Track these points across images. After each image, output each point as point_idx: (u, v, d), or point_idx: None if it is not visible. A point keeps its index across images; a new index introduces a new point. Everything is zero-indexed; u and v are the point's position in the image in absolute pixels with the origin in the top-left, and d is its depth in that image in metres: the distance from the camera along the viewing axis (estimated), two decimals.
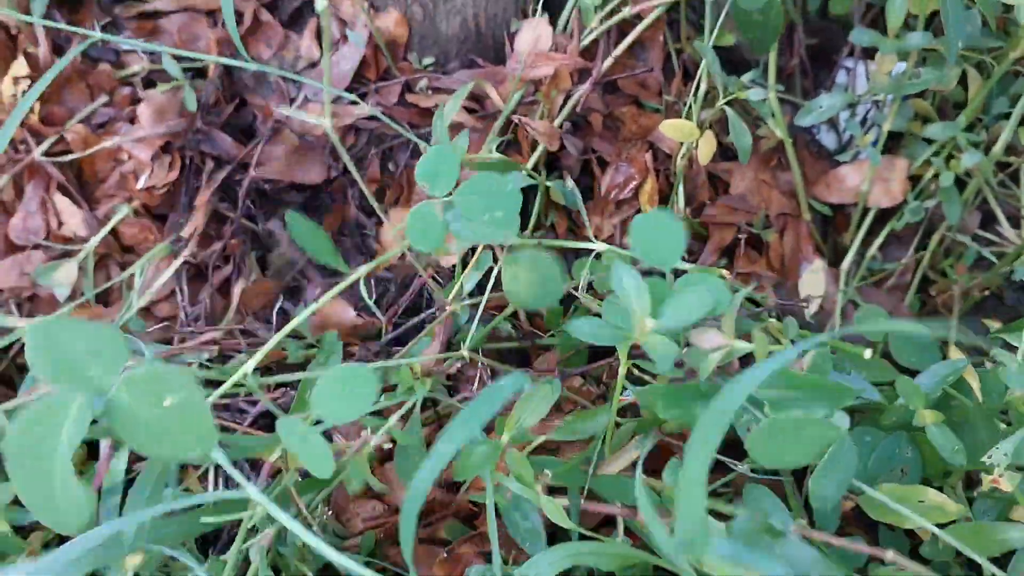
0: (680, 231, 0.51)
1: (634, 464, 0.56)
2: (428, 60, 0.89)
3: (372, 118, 0.85)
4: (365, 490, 0.63)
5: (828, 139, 0.96)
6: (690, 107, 0.79)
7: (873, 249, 0.89)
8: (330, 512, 0.61)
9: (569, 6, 0.81)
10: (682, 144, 0.82)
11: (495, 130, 0.83)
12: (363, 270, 0.54)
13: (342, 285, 0.54)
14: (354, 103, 0.84)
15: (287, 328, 0.52)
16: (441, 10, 0.84)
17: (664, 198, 0.86)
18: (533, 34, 0.80)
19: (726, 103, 0.73)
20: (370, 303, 0.61)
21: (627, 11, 0.77)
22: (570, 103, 0.81)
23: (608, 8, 0.79)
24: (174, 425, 0.39)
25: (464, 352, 0.55)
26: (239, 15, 0.84)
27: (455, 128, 0.83)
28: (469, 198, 0.47)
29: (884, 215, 0.89)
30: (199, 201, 0.81)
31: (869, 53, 0.90)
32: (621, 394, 0.53)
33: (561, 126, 0.82)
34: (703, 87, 0.80)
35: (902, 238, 0.93)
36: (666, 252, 0.51)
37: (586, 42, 0.81)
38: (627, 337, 0.48)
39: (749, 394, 0.51)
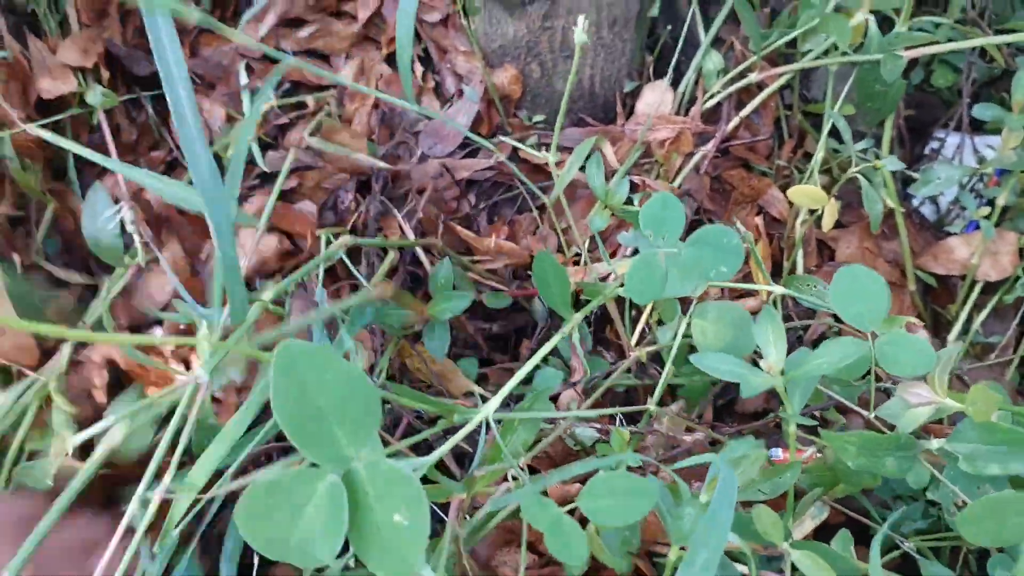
0: (884, 290, 0.50)
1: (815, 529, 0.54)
2: (538, 117, 0.89)
3: (486, 170, 0.85)
4: (511, 537, 0.60)
5: (927, 209, 0.97)
6: (811, 172, 0.79)
7: (977, 323, 0.88)
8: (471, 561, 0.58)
9: (691, 70, 0.82)
10: (794, 209, 0.82)
11: (612, 187, 0.82)
12: (578, 316, 0.53)
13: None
14: (467, 156, 0.85)
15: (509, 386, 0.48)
16: (560, 69, 0.84)
17: (775, 262, 0.86)
18: (656, 97, 0.80)
19: (858, 172, 0.73)
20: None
21: (753, 77, 0.78)
22: (690, 165, 0.81)
23: (731, 75, 0.80)
24: (393, 541, 0.33)
25: (652, 407, 0.53)
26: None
27: (572, 186, 0.83)
28: (700, 250, 0.46)
29: (987, 287, 0.89)
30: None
31: (974, 126, 0.92)
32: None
33: (679, 187, 0.81)
34: (820, 154, 0.81)
35: (999, 311, 0.93)
36: (868, 311, 0.50)
37: (707, 106, 0.81)
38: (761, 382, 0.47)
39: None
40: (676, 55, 0.82)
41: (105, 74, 0.80)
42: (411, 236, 0.78)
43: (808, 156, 0.91)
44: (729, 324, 0.52)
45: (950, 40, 0.75)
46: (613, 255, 0.83)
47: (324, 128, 0.83)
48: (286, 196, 0.82)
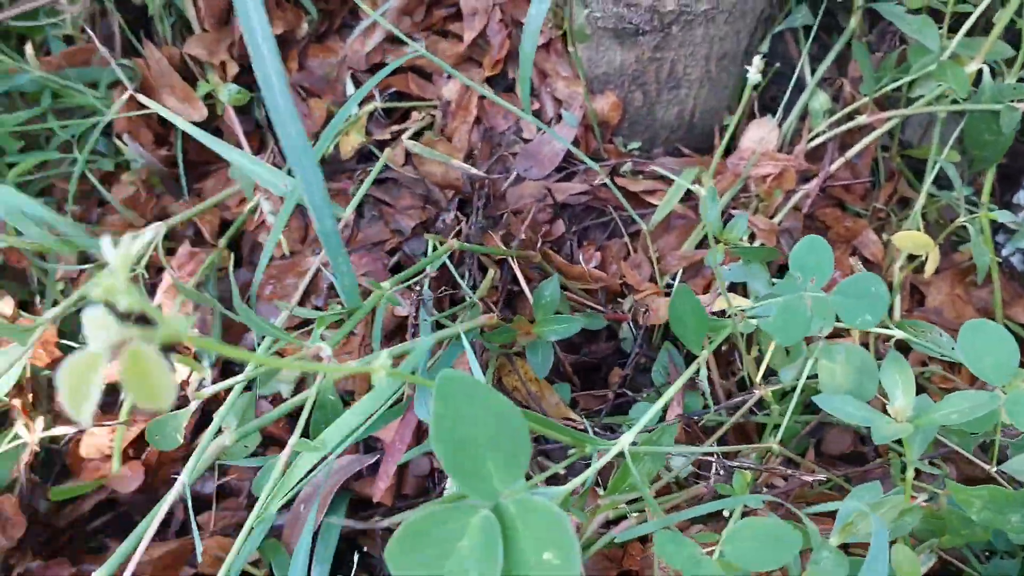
0: (1014, 346, 0.50)
1: None
2: (634, 145, 0.89)
3: (580, 194, 0.85)
4: (608, 565, 0.60)
5: (1016, 259, 0.96)
6: (914, 217, 0.79)
7: None
8: None
9: (797, 108, 0.82)
10: (890, 252, 0.82)
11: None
12: (705, 353, 0.53)
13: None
14: (562, 179, 0.85)
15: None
16: (664, 98, 0.84)
17: None
18: (761, 132, 0.80)
19: (966, 221, 0.73)
20: None
21: (862, 119, 0.77)
22: (790, 203, 0.81)
23: (838, 115, 0.80)
24: None
25: (774, 445, 0.53)
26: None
27: (671, 216, 0.83)
28: (848, 298, 0.46)
29: None
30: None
31: None
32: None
33: (780, 223, 0.81)
34: (923, 199, 0.80)
35: None
36: (999, 366, 0.50)
37: (812, 144, 0.81)
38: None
39: None
40: (788, 93, 0.82)
41: (232, 70, 0.82)
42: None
43: (903, 200, 0.90)
44: (855, 367, 0.52)
45: None
46: (707, 287, 0.83)
47: (425, 138, 0.84)
48: (383, 206, 0.83)
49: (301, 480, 0.60)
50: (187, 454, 0.61)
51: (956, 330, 0.88)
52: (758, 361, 0.65)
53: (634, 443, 0.46)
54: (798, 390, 0.54)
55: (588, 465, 0.44)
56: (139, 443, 0.74)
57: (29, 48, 0.75)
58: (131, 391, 0.23)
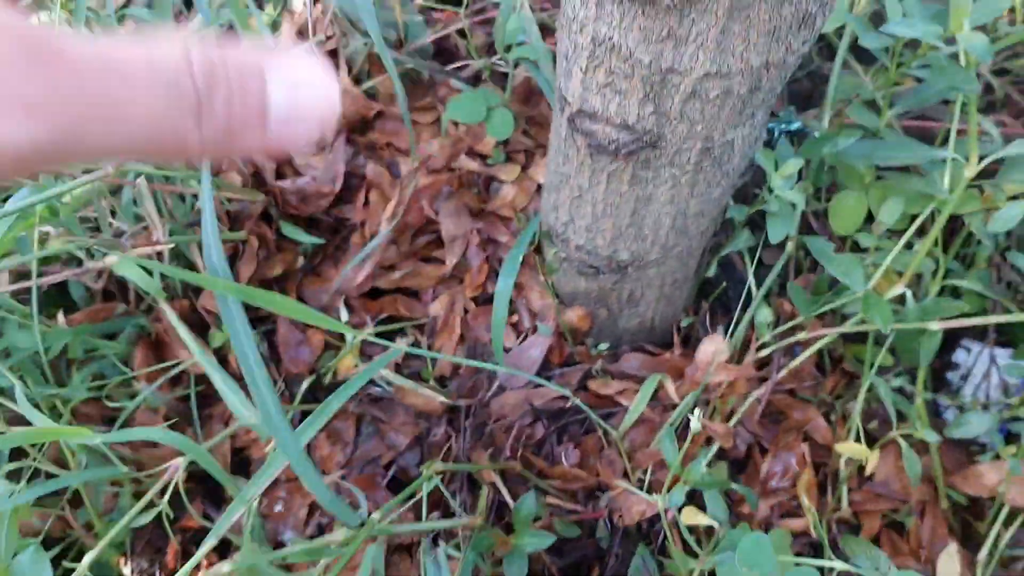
0: None
1: None
2: (603, 346, 0.99)
3: (559, 398, 0.95)
4: None
5: (950, 414, 1.05)
6: (853, 429, 0.88)
7: (1007, 538, 0.96)
8: None
9: (745, 322, 0.92)
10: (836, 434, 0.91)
11: (670, 422, 0.92)
12: None
13: None
14: (539, 386, 0.95)
15: None
16: (625, 313, 0.94)
17: (820, 486, 0.94)
18: (713, 347, 0.90)
19: (899, 435, 0.83)
20: None
21: (802, 335, 0.87)
22: (743, 407, 0.91)
23: (781, 329, 0.90)
24: None
25: None
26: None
27: (638, 423, 0.93)
28: None
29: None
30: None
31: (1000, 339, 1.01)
32: None
33: (734, 426, 0.91)
34: (860, 406, 0.90)
35: None
36: None
37: (760, 354, 0.91)
38: None
39: None
40: (737, 311, 0.92)
41: None
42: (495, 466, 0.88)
43: (851, 379, 1.00)
44: None
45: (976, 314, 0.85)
46: (675, 483, 0.92)
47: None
48: (379, 423, 0.92)
49: None
50: None
51: (904, 501, 0.98)
52: None
53: None
54: None
55: None
56: None
57: (61, 316, 0.85)
58: None
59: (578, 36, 0.62)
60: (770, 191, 0.79)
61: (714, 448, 0.89)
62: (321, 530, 0.89)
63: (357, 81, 1.04)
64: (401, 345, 0.92)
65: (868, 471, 0.86)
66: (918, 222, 0.82)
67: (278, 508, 0.90)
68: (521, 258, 0.86)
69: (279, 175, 0.99)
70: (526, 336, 0.97)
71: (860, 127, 0.81)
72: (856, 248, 0.92)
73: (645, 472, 0.93)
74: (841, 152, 0.79)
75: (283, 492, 0.90)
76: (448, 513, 0.88)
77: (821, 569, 0.80)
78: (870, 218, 0.89)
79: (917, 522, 0.98)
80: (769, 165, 0.75)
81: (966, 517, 1.02)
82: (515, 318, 0.97)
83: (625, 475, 0.93)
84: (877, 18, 0.95)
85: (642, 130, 0.66)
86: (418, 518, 0.88)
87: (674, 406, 0.93)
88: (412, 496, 0.84)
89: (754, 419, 0.95)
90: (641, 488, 0.92)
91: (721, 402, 0.91)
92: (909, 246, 0.87)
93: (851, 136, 0.78)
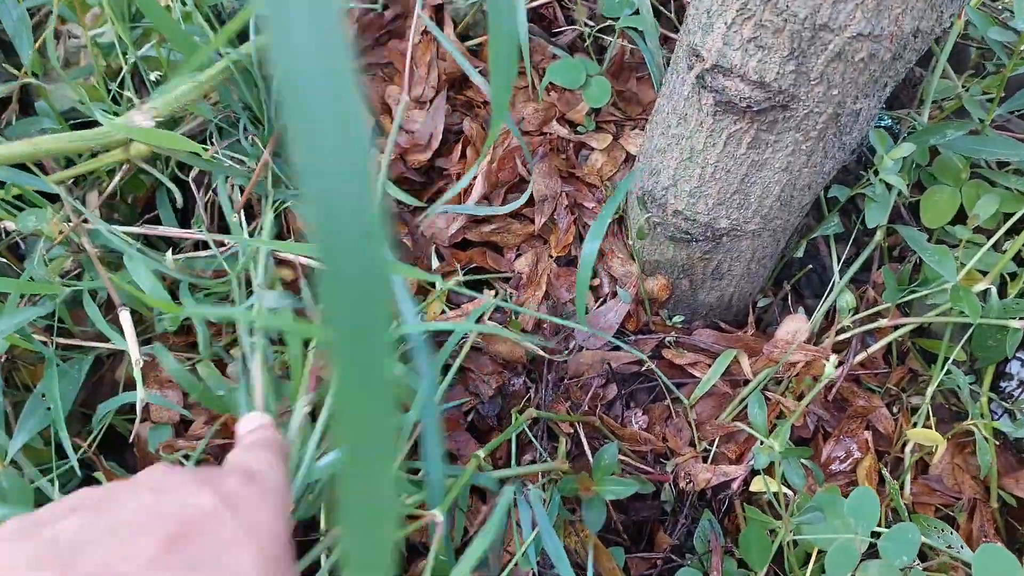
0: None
1: None
2: (678, 318, 1.01)
3: (633, 362, 0.97)
4: None
5: (1008, 425, 1.07)
6: (923, 410, 0.90)
7: None
8: None
9: (826, 304, 0.94)
10: (900, 427, 0.93)
11: (741, 396, 0.94)
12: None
13: None
14: (617, 348, 0.97)
15: None
16: (707, 286, 0.96)
17: (879, 474, 0.96)
18: (794, 326, 0.92)
19: (972, 424, 0.85)
20: None
21: (883, 322, 0.89)
22: (817, 388, 0.92)
23: (862, 315, 0.92)
24: None
25: None
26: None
27: (708, 396, 0.95)
28: (892, 543, 0.57)
29: None
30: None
31: None
32: None
33: (807, 405, 0.93)
34: (930, 392, 0.92)
35: None
36: None
37: (839, 338, 0.93)
38: None
39: None
40: (823, 295, 0.94)
41: None
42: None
43: (914, 376, 1.02)
44: None
45: None
46: (740, 456, 0.94)
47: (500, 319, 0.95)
48: (467, 371, 0.94)
49: None
50: None
51: (956, 497, 0.99)
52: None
53: None
54: None
55: None
56: None
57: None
58: None
59: None
60: (876, 173, 0.81)
61: (788, 422, 0.91)
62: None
63: (464, 38, 1.06)
64: (489, 297, 0.94)
65: (935, 459, 0.88)
66: (1010, 222, 0.85)
67: None
68: (608, 222, 0.88)
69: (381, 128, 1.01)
70: (605, 300, 0.99)
71: (966, 122, 0.83)
72: (943, 243, 0.94)
73: (712, 444, 0.94)
74: (949, 143, 0.81)
75: None
76: (531, 460, 0.90)
77: None
78: (961, 216, 0.91)
79: (967, 519, 1.00)
80: (882, 145, 0.78)
81: (1012, 521, 1.04)
82: (596, 281, 0.99)
83: (692, 445, 0.95)
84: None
85: (777, 89, 0.68)
86: (502, 463, 0.89)
87: (746, 382, 0.95)
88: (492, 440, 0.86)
89: (821, 402, 0.97)
90: (706, 460, 0.94)
91: (796, 381, 0.93)
92: (996, 247, 0.89)
93: (961, 128, 0.80)
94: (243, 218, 0.89)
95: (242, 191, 0.88)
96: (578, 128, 1.06)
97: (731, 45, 0.67)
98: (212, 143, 0.88)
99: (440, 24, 1.06)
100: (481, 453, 0.77)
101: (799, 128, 0.71)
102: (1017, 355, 1.12)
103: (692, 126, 0.78)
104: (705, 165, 0.80)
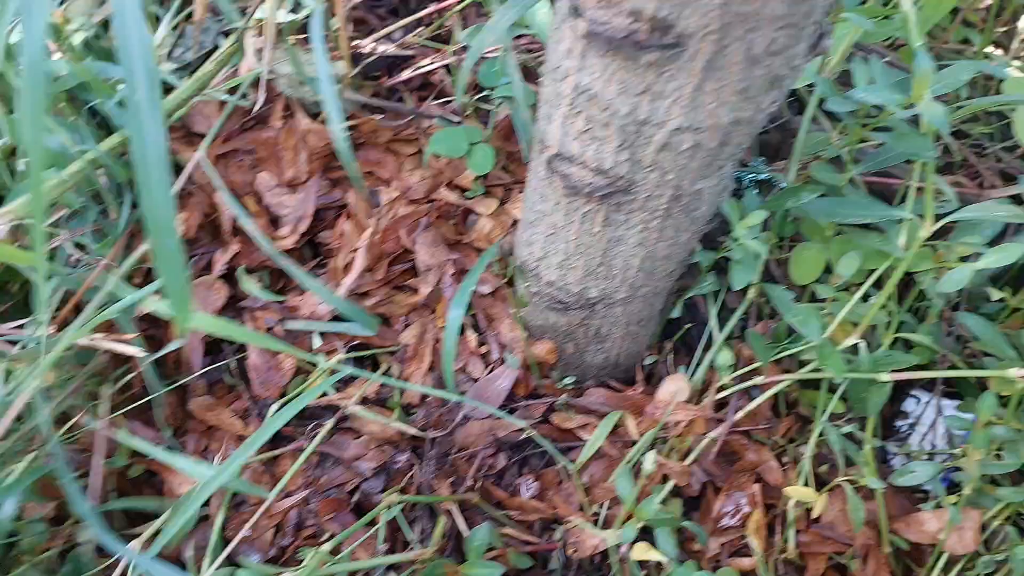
0: None
1: None
2: (568, 380, 1.02)
3: (520, 430, 0.97)
4: None
5: (897, 461, 1.09)
6: (802, 472, 0.92)
7: None
8: None
9: (705, 363, 0.95)
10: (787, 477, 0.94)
11: (627, 459, 0.95)
12: None
13: None
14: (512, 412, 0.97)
15: None
16: (592, 349, 0.97)
17: (769, 526, 0.97)
18: (674, 387, 0.93)
19: (844, 480, 0.86)
20: None
21: (759, 380, 0.91)
22: (700, 446, 0.94)
23: (739, 373, 0.93)
24: None
25: None
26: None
27: (598, 458, 0.95)
28: None
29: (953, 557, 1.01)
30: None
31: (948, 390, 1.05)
32: None
33: (690, 465, 0.94)
34: (811, 450, 0.93)
35: None
36: None
37: (719, 396, 0.94)
38: None
39: None
40: (699, 353, 0.95)
41: None
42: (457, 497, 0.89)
43: (805, 423, 1.03)
44: None
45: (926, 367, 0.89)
46: (628, 517, 0.94)
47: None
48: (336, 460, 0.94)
49: None
50: None
51: (848, 544, 1.01)
52: None
53: None
54: None
55: None
56: None
57: None
58: None
59: (561, 84, 0.65)
60: (734, 240, 0.82)
61: (669, 486, 0.92)
62: (283, 552, 0.90)
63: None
64: (370, 373, 0.94)
65: (815, 514, 0.89)
66: (874, 276, 0.87)
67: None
68: (472, 290, 0.88)
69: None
70: (494, 368, 0.99)
71: (831, 178, 0.85)
72: (814, 298, 0.96)
73: (601, 507, 0.95)
74: (803, 207, 0.82)
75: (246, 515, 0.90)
76: (405, 543, 0.90)
77: None
78: (829, 270, 0.93)
79: (860, 565, 1.01)
80: (734, 215, 0.79)
81: (907, 563, 1.06)
82: (485, 349, 1.00)
83: (581, 509, 0.95)
84: (846, 77, 1.00)
85: (616, 176, 0.69)
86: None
87: (633, 443, 0.96)
88: (373, 523, 0.86)
89: (709, 459, 0.98)
90: (596, 523, 0.95)
91: (679, 441, 0.94)
92: (865, 298, 0.91)
93: (814, 192, 0.82)
94: None
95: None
96: (467, 193, 1.07)
97: (568, 135, 0.69)
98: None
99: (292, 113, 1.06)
100: (327, 547, 0.76)
101: (644, 208, 0.72)
102: (913, 393, 1.15)
103: (551, 204, 0.79)
104: (568, 240, 0.81)
